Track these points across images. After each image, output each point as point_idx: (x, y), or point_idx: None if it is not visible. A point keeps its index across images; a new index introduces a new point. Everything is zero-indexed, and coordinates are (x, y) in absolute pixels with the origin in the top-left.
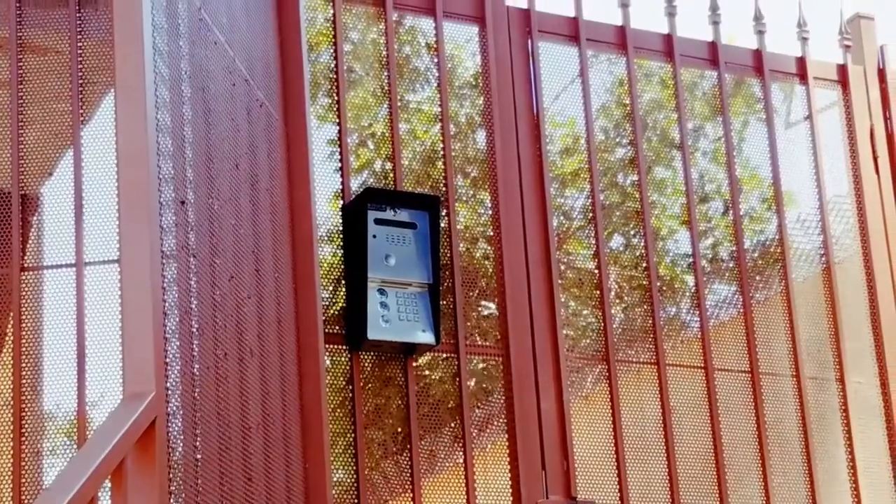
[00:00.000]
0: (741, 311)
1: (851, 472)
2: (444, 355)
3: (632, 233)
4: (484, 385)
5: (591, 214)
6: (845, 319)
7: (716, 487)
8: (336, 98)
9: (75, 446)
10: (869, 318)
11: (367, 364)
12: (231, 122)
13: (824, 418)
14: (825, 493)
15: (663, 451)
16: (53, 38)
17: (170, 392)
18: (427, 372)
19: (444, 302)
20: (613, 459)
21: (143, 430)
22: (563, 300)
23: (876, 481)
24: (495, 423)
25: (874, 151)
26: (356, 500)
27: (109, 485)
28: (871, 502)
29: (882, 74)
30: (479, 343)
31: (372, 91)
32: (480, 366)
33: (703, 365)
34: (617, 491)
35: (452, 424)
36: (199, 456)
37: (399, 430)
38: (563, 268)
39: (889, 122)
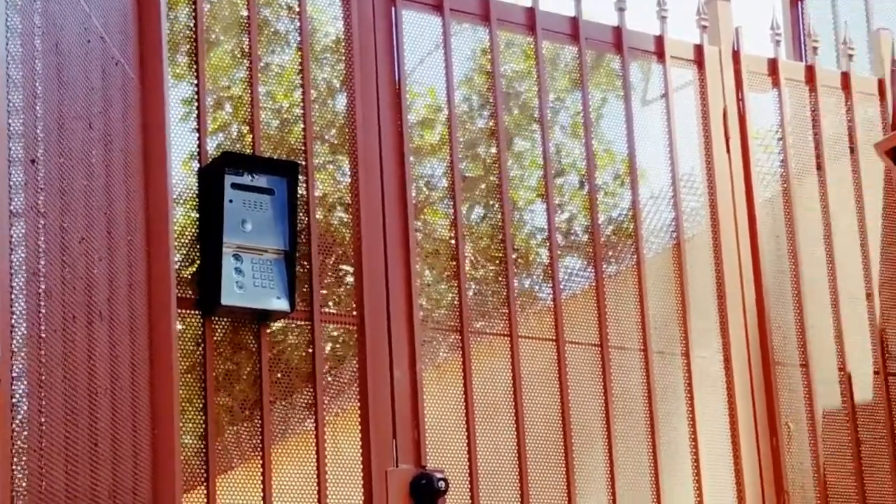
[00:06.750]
0: (593, 284)
1: (692, 443)
2: (299, 322)
3: (490, 204)
4: (338, 353)
5: (450, 184)
6: (693, 295)
7: (563, 457)
8: (195, 58)
9: None
10: (715, 293)
11: (219, 329)
12: (85, 81)
13: (669, 391)
14: (667, 462)
15: (513, 421)
16: None
17: (14, 354)
18: (280, 338)
19: (300, 269)
20: (464, 429)
21: None
22: (419, 270)
23: (715, 452)
24: (348, 391)
25: (726, 131)
26: (204, 466)
27: None
28: (711, 472)
29: (737, 56)
30: (334, 311)
31: (230, 52)
32: (335, 333)
33: (554, 337)
34: (466, 460)
35: (305, 392)
36: (43, 419)
37: (250, 396)
38: (420, 237)
39: (741, 103)
